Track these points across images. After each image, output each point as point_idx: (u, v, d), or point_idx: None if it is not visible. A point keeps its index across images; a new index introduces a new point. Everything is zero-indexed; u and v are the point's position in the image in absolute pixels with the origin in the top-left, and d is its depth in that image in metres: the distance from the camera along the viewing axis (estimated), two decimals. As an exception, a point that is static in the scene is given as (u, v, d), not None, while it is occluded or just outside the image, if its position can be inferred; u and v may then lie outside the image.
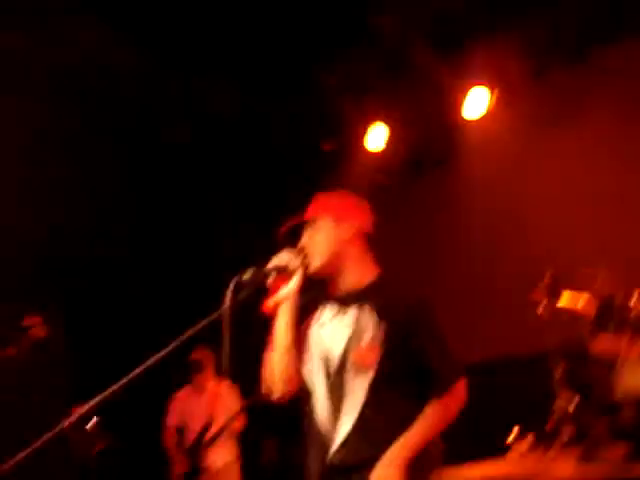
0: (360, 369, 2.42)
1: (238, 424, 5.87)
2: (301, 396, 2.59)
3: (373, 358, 2.41)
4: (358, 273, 2.57)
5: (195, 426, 5.88)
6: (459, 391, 2.53)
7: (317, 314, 2.58)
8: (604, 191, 6.20)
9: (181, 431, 6.00)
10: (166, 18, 5.85)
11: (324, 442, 2.43)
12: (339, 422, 2.41)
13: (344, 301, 2.55)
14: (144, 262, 7.21)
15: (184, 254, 7.36)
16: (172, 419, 6.06)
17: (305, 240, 2.60)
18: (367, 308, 2.47)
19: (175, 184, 7.11)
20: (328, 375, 2.47)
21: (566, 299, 5.33)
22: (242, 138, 7.17)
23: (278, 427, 7.42)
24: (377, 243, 2.68)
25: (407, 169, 7.60)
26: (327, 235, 2.57)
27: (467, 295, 6.77)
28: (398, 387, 2.43)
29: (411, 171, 7.61)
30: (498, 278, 6.60)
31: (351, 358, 2.44)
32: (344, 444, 2.40)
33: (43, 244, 6.27)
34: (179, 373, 5.95)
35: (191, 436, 5.89)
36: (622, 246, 5.74)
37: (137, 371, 2.19)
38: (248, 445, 6.29)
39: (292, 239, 2.65)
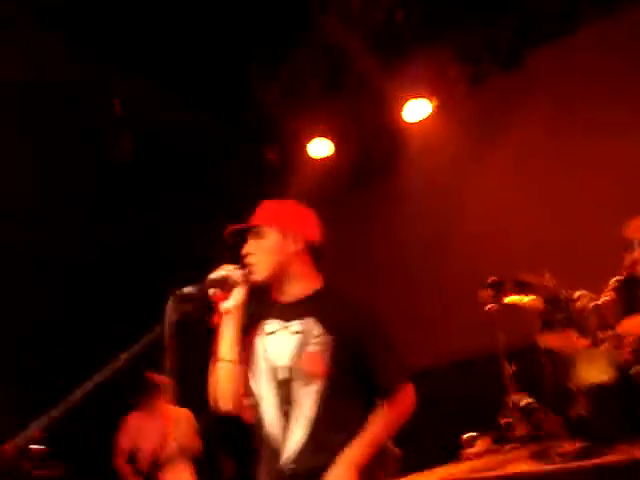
0: (308, 379, 2.39)
1: (194, 447, 5.79)
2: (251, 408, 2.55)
3: (320, 368, 2.38)
4: (303, 283, 2.53)
5: (148, 449, 5.78)
6: (407, 395, 2.50)
7: (262, 325, 2.55)
8: (542, 194, 6.31)
9: (133, 454, 5.89)
10: (108, 31, 5.78)
11: (274, 453, 2.39)
12: (289, 432, 2.38)
13: (289, 311, 2.51)
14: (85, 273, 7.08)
15: (125, 268, 7.23)
16: (124, 442, 5.94)
17: (249, 249, 2.55)
18: (312, 318, 2.44)
19: (120, 194, 6.99)
20: (276, 386, 2.43)
21: (512, 299, 5.41)
22: (183, 149, 7.11)
23: (235, 447, 7.37)
24: (322, 253, 2.64)
25: (349, 178, 7.63)
26: (273, 246, 2.52)
27: (412, 300, 6.81)
28: (347, 396, 2.40)
29: (354, 179, 7.65)
30: (442, 281, 6.66)
31: (298, 368, 2.41)
32: (295, 454, 2.36)
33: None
34: (127, 394, 5.86)
35: (144, 459, 5.79)
36: (562, 248, 5.84)
37: (79, 393, 2.13)
38: (205, 465, 6.22)
39: (236, 245, 2.61)
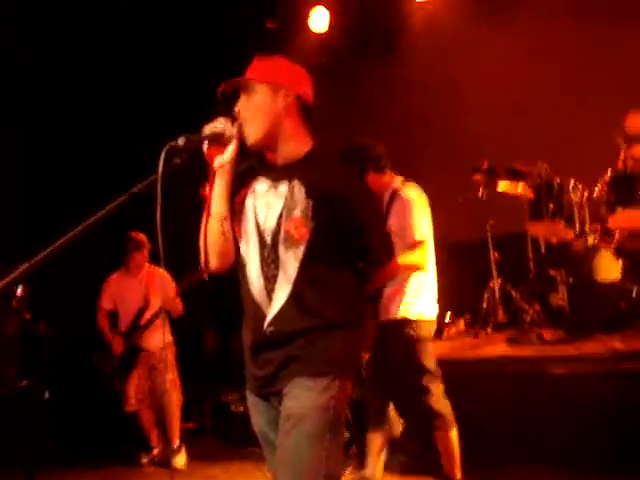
0: (292, 243, 2.34)
1: (176, 308, 5.83)
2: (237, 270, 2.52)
3: (303, 233, 2.32)
4: (293, 145, 2.42)
5: (130, 309, 5.81)
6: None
7: (252, 185, 2.48)
8: (545, 81, 6.17)
9: (115, 313, 5.94)
10: None
11: (259, 313, 2.38)
12: (273, 294, 2.36)
13: (278, 173, 2.42)
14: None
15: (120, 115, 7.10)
16: (106, 302, 5.97)
17: (240, 105, 2.44)
18: (299, 181, 2.36)
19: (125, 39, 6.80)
20: (262, 247, 2.39)
21: (505, 184, 5.37)
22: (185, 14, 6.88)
23: (218, 318, 7.46)
24: (317, 119, 2.53)
25: (350, 50, 7.43)
26: (262, 103, 2.39)
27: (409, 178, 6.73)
28: (329, 261, 2.34)
29: (355, 52, 7.45)
30: (437, 161, 6.57)
31: (283, 231, 2.36)
32: (278, 316, 2.35)
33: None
34: (111, 254, 5.85)
35: (125, 318, 5.84)
36: (560, 138, 5.76)
37: (66, 238, 2.07)
38: (189, 336, 6.29)
39: (230, 101, 2.50)
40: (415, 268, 3.78)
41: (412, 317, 3.76)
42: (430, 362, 3.73)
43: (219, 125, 2.36)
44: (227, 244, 2.42)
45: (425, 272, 3.80)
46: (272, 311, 2.34)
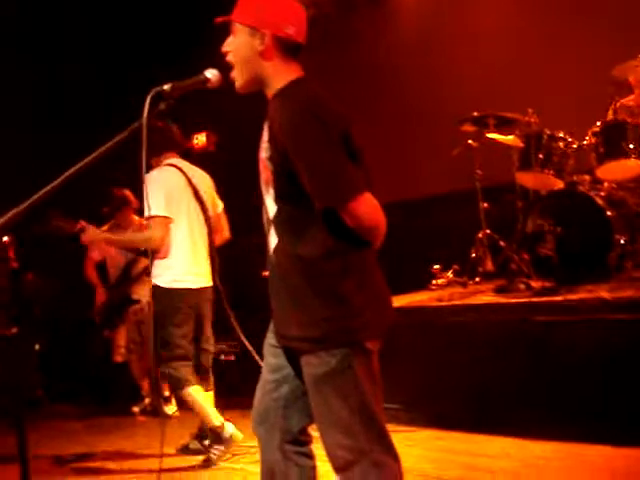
0: (267, 185, 2.32)
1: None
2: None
3: (268, 175, 2.29)
4: (277, 83, 2.35)
5: (118, 262, 5.82)
6: (359, 208, 2.17)
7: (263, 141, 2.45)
8: (535, 32, 6.09)
9: (104, 265, 5.94)
10: None
11: (268, 252, 2.40)
12: (270, 236, 2.38)
13: (267, 117, 2.40)
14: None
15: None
16: (95, 253, 5.98)
17: (226, 46, 2.38)
18: (266, 122, 2.32)
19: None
20: (264, 192, 2.40)
21: (493, 135, 5.35)
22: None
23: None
24: (299, 47, 2.44)
25: (338, 2, 7.32)
26: (242, 46, 2.32)
27: (396, 130, 6.71)
28: (292, 204, 2.29)
29: (342, 4, 7.34)
30: (427, 112, 6.53)
31: (261, 175, 2.36)
32: (270, 256, 2.38)
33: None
34: (97, 206, 5.82)
35: (114, 272, 5.84)
36: (550, 89, 5.72)
37: (54, 184, 2.05)
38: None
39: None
40: (147, 243, 4.19)
41: (163, 285, 4.15)
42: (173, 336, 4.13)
43: (207, 74, 2.33)
44: None
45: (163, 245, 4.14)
46: (271, 251, 2.36)
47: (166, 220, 4.11)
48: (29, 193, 2.00)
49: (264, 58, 2.32)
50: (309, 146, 2.19)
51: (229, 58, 2.34)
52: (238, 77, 2.35)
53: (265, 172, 2.30)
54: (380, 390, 2.30)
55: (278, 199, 2.27)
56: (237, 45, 2.33)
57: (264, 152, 2.29)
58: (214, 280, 4.32)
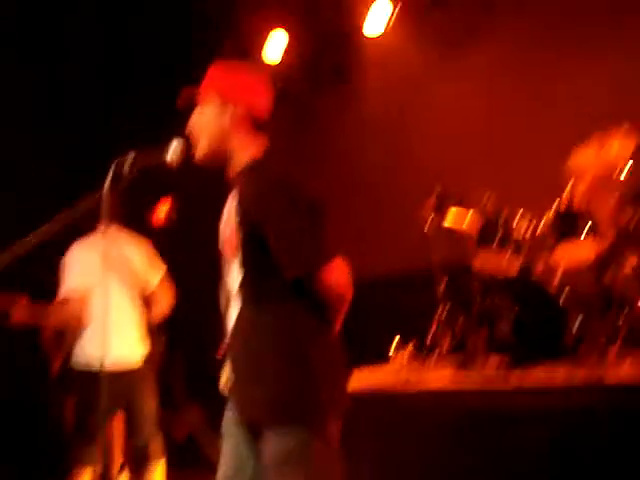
0: (232, 252, 2.34)
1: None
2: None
3: (236, 243, 2.31)
4: (242, 156, 2.39)
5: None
6: (330, 275, 2.20)
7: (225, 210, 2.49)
8: (495, 116, 6.30)
9: (62, 333, 5.84)
10: None
11: (225, 329, 2.40)
12: (229, 308, 2.39)
13: (231, 186, 2.45)
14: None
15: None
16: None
17: (193, 118, 2.43)
18: (235, 191, 2.36)
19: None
20: (223, 263, 2.41)
21: (452, 217, 5.45)
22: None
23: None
24: (267, 123, 2.51)
25: (306, 79, 7.50)
26: (211, 118, 2.36)
27: (357, 208, 6.80)
28: (259, 273, 2.29)
29: (310, 81, 7.52)
30: (389, 193, 6.65)
31: (225, 246, 2.38)
32: (230, 331, 2.37)
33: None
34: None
35: (71, 338, 5.75)
36: (509, 168, 5.87)
37: (11, 252, 2.06)
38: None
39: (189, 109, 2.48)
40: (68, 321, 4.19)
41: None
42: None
43: (168, 156, 2.36)
44: None
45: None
46: (229, 326, 2.36)
47: (83, 296, 4.10)
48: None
49: (233, 132, 2.36)
50: (279, 215, 2.21)
51: (194, 130, 2.39)
52: (202, 148, 2.39)
53: (232, 240, 2.32)
54: (340, 471, 2.25)
55: (244, 266, 2.29)
56: (206, 117, 2.38)
57: (231, 222, 2.32)
58: (155, 357, 4.24)
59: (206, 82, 2.42)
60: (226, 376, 2.39)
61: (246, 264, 2.28)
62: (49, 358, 5.67)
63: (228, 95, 2.37)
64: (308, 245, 2.21)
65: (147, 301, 4.34)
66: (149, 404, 4.26)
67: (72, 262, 4.15)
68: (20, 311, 4.13)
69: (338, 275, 2.23)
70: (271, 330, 2.26)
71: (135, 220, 4.54)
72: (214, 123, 2.37)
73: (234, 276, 2.34)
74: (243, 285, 2.31)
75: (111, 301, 4.12)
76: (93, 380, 3.89)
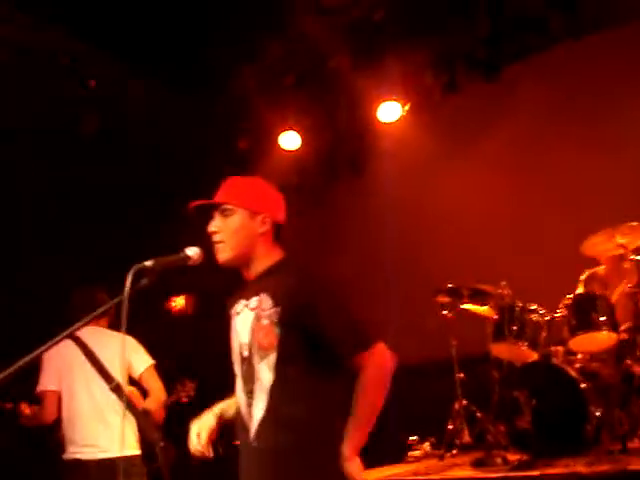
0: (263, 353, 2.38)
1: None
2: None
3: (271, 340, 2.36)
4: (264, 260, 2.51)
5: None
6: (378, 357, 2.36)
7: (234, 306, 2.55)
8: (507, 205, 6.38)
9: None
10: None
11: (245, 430, 2.42)
12: (253, 408, 2.40)
13: (250, 289, 2.51)
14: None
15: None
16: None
17: (216, 226, 2.52)
18: (265, 292, 2.42)
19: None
20: (242, 363, 2.45)
21: (468, 307, 5.46)
22: (155, 133, 7.05)
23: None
24: (287, 239, 2.62)
25: (320, 171, 7.65)
26: (239, 227, 2.48)
27: (371, 300, 6.78)
28: (301, 366, 2.34)
29: (324, 173, 7.67)
30: (403, 283, 6.68)
31: (254, 343, 2.41)
32: (257, 431, 2.37)
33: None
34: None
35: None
36: (522, 262, 5.90)
37: (32, 356, 2.09)
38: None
39: (199, 220, 2.57)
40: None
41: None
42: None
43: (188, 252, 2.44)
44: None
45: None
46: (253, 426, 2.37)
47: (55, 394, 4.25)
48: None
49: (260, 239, 2.48)
50: (328, 301, 2.38)
51: (218, 238, 2.48)
52: (227, 253, 2.51)
53: (266, 338, 2.37)
54: None
55: (281, 364, 2.34)
56: (234, 225, 2.50)
57: (264, 320, 2.37)
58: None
59: (230, 194, 2.53)
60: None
61: (283, 359, 2.33)
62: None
63: (258, 205, 2.50)
64: (362, 326, 2.38)
65: (140, 388, 4.38)
66: None
67: (51, 359, 4.26)
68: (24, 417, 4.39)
69: (386, 354, 2.38)
70: (306, 420, 2.35)
71: (152, 311, 4.57)
72: (244, 232, 2.50)
73: (263, 374, 2.37)
74: (276, 381, 2.35)
75: (96, 395, 4.23)
76: (83, 469, 4.07)
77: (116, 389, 4.24)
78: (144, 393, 4.45)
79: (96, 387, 4.25)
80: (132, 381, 4.43)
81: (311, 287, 2.41)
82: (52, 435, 5.13)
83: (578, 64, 6.35)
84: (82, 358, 4.29)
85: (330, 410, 2.42)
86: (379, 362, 2.38)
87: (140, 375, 4.41)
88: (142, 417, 4.28)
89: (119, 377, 4.28)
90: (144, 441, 4.29)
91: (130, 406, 4.28)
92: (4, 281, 6.21)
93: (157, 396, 4.44)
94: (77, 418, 4.24)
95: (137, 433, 4.29)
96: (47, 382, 4.24)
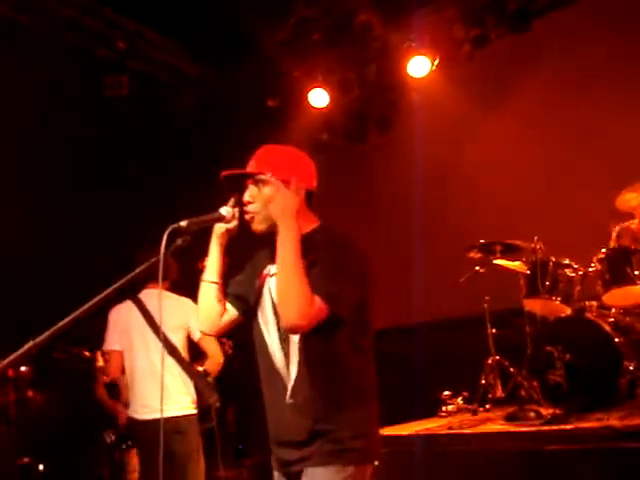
0: None
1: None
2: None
3: None
4: (303, 230, 2.53)
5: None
6: (317, 312, 2.34)
7: (270, 267, 2.58)
8: (538, 161, 6.33)
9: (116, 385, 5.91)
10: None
11: (281, 386, 2.48)
12: (289, 367, 2.47)
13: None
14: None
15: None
16: (105, 377, 5.95)
17: (250, 195, 2.53)
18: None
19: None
20: (279, 325, 2.49)
21: (500, 262, 5.45)
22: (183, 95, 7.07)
23: (236, 396, 7.43)
24: (319, 200, 2.63)
25: (349, 128, 7.62)
26: (274, 196, 2.51)
27: (404, 257, 6.83)
28: (327, 332, 2.39)
29: (353, 130, 7.64)
30: (435, 239, 6.68)
31: None
32: (295, 388, 2.45)
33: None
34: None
35: (127, 392, 5.81)
36: (555, 217, 5.86)
37: (77, 313, 2.14)
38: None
39: (232, 187, 2.59)
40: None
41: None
42: None
43: (222, 211, 2.48)
44: (215, 308, 2.53)
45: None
46: (290, 384, 2.45)
47: (118, 353, 4.48)
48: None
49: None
50: (345, 269, 2.40)
51: (253, 208, 2.50)
52: (263, 221, 2.52)
53: None
54: None
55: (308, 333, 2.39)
56: (269, 195, 2.50)
57: None
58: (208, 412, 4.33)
59: (262, 163, 2.55)
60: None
61: None
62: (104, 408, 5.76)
63: (290, 176, 2.50)
64: (338, 289, 2.37)
65: (199, 352, 4.48)
66: (194, 461, 4.35)
67: (115, 320, 4.42)
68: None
69: (318, 316, 2.34)
70: (341, 380, 2.43)
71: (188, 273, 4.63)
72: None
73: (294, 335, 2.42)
74: (306, 343, 2.42)
75: (153, 356, 4.36)
76: (150, 428, 4.18)
77: (173, 352, 4.35)
78: (202, 355, 4.57)
79: (154, 349, 4.35)
80: (191, 343, 4.55)
81: (331, 252, 2.43)
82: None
83: (607, 17, 6.21)
84: (141, 320, 4.42)
85: (363, 365, 2.49)
86: (314, 313, 2.34)
87: (199, 339, 4.50)
88: (199, 379, 4.38)
89: (179, 340, 4.40)
90: (199, 401, 4.39)
91: (187, 368, 4.38)
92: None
93: (215, 359, 4.56)
94: (135, 379, 4.42)
95: (194, 394, 4.40)
96: (112, 342, 4.47)
